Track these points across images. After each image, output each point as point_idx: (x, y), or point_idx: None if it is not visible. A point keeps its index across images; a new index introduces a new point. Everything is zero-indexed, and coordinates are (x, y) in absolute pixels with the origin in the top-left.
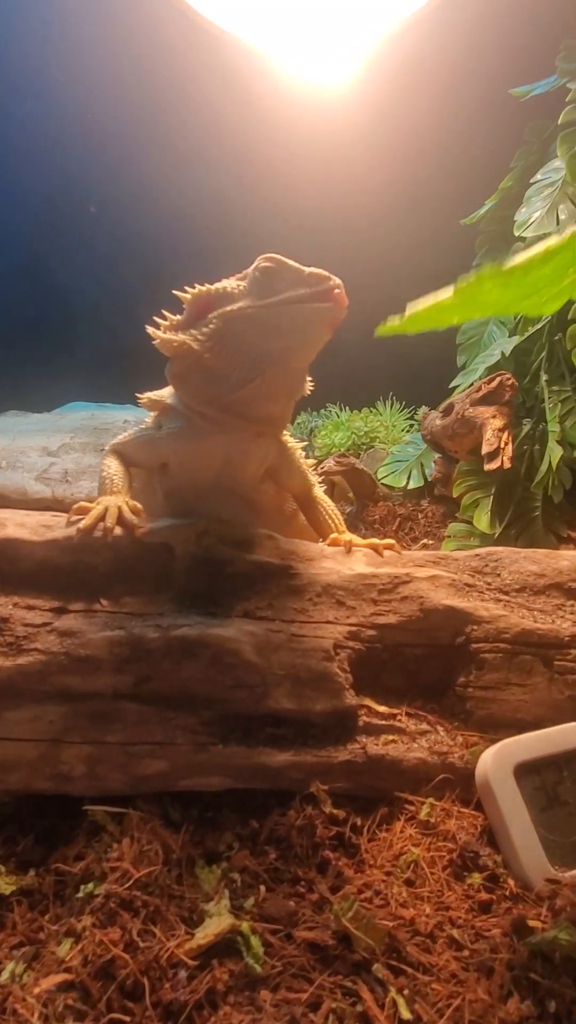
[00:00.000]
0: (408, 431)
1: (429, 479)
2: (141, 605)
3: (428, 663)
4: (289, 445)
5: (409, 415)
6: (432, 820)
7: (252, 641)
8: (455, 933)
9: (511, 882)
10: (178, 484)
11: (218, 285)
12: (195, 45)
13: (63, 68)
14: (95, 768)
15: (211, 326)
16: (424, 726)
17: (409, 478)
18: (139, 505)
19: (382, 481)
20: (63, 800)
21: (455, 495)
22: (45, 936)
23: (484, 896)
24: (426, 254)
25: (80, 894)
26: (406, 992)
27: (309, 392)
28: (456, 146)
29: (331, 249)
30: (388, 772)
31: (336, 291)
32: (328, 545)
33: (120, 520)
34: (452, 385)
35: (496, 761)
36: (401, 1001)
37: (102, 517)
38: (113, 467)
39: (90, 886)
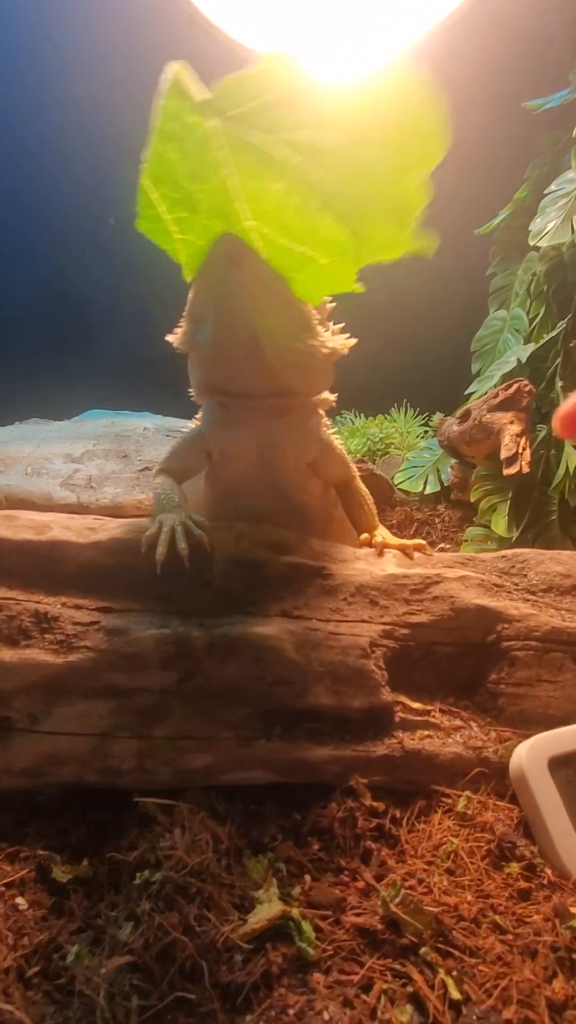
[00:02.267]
0: (422, 437)
1: (446, 484)
2: (183, 605)
3: (459, 661)
4: (329, 437)
5: (423, 421)
6: (469, 812)
7: (292, 639)
8: (498, 919)
9: (548, 871)
10: (222, 478)
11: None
12: (213, 57)
13: (83, 81)
14: (143, 762)
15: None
16: (458, 722)
17: (426, 483)
18: (201, 518)
19: (399, 486)
20: (110, 793)
21: (473, 500)
22: (103, 921)
23: (523, 884)
24: (442, 263)
25: (137, 881)
26: (454, 973)
27: (323, 353)
28: (470, 158)
29: None
30: (425, 766)
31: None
32: (360, 546)
33: (188, 539)
34: (468, 392)
35: (530, 755)
36: (450, 982)
37: (172, 542)
38: (166, 485)
39: (146, 873)
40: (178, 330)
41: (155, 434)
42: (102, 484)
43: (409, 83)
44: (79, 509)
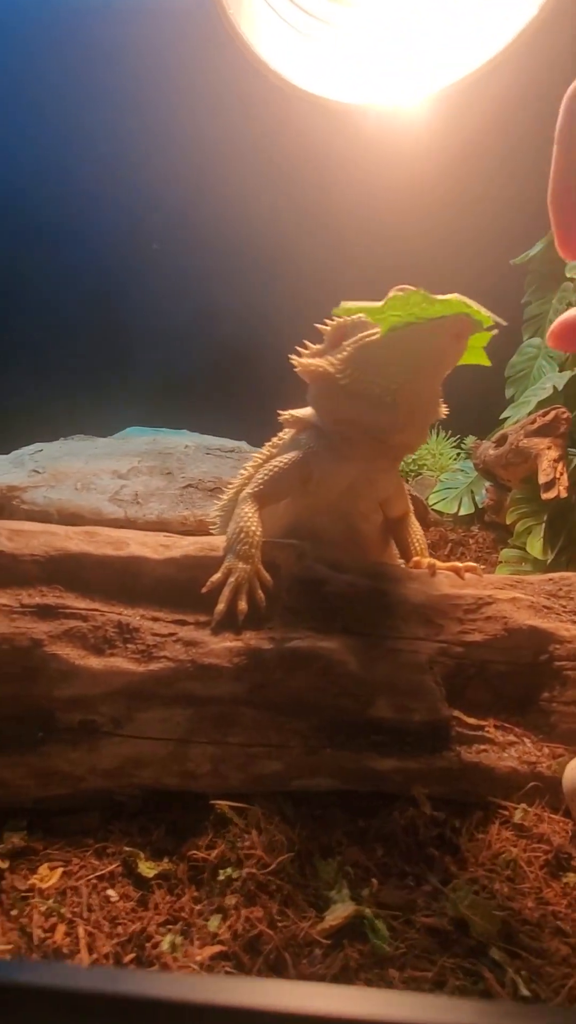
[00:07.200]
0: (455, 459)
1: (480, 506)
2: (252, 619)
3: (512, 679)
4: (401, 479)
5: (455, 444)
6: (526, 824)
7: (355, 654)
8: (560, 924)
9: None
10: (304, 503)
11: (354, 316)
12: (260, 94)
13: (135, 115)
14: (218, 767)
15: (345, 352)
16: (511, 737)
17: (460, 505)
18: (268, 577)
19: (433, 507)
20: (181, 796)
21: (508, 522)
22: (188, 915)
23: None
24: (476, 290)
25: (220, 877)
26: (523, 973)
27: (444, 416)
28: (508, 192)
29: (388, 286)
30: (482, 779)
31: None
32: (412, 567)
33: (249, 600)
34: (503, 416)
35: None
36: (519, 981)
37: (233, 600)
38: (252, 520)
39: (229, 870)
40: (315, 360)
41: (195, 452)
42: (147, 500)
43: None
44: (126, 524)
